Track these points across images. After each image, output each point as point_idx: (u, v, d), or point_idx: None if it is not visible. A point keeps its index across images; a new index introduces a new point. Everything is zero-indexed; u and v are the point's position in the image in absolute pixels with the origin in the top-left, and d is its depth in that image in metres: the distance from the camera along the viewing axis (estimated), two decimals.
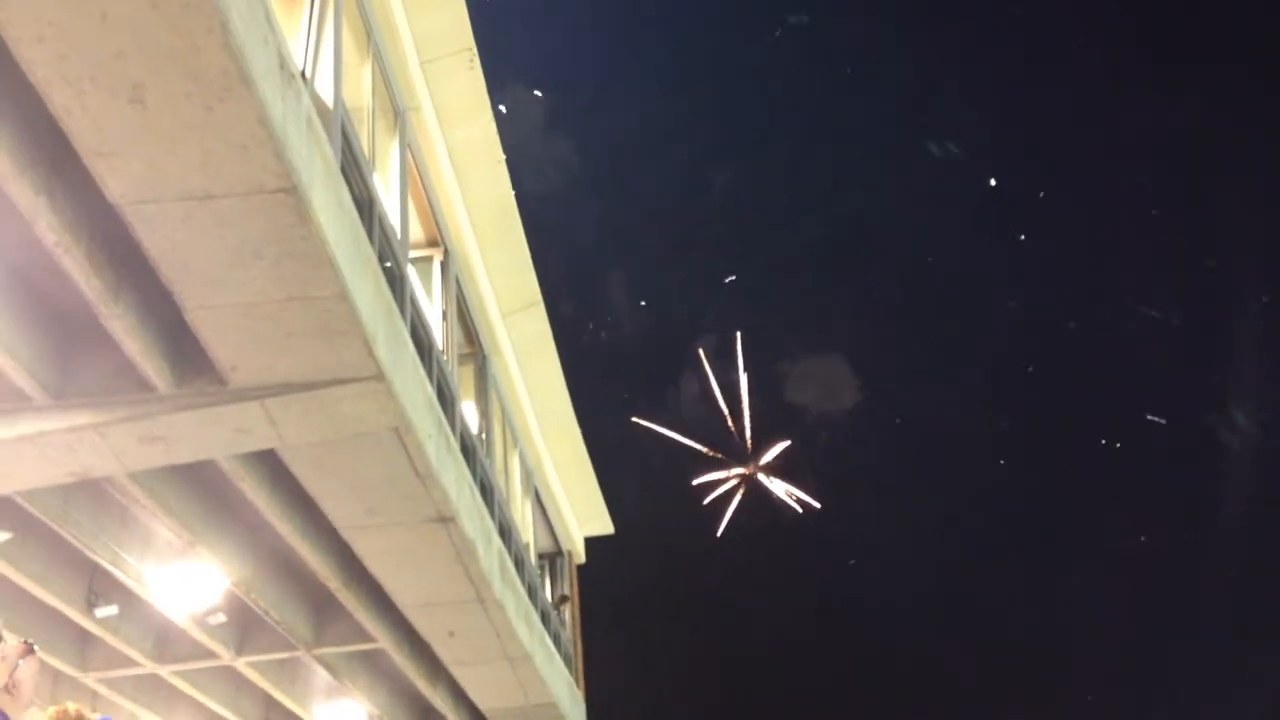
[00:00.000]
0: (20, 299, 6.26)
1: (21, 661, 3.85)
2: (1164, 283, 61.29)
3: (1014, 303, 63.50)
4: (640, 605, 54.28)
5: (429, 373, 8.68)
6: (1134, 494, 57.56)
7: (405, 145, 9.56)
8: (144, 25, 4.38)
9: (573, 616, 17.93)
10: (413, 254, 9.73)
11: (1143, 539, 57.78)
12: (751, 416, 62.82)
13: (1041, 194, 65.26)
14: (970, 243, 65.00)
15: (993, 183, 64.77)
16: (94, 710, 6.34)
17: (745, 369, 62.62)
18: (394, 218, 8.64)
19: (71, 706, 4.38)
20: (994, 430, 62.25)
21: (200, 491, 8.71)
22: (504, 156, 11.65)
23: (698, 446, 62.38)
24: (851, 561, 61.59)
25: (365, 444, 7.69)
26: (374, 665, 12.66)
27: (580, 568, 19.27)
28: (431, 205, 10.75)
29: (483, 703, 13.38)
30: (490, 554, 10.40)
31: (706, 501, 62.84)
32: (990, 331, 62.75)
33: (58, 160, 5.16)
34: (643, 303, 67.48)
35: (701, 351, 63.64)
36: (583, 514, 18.93)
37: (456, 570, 9.76)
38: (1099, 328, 62.42)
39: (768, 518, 62.51)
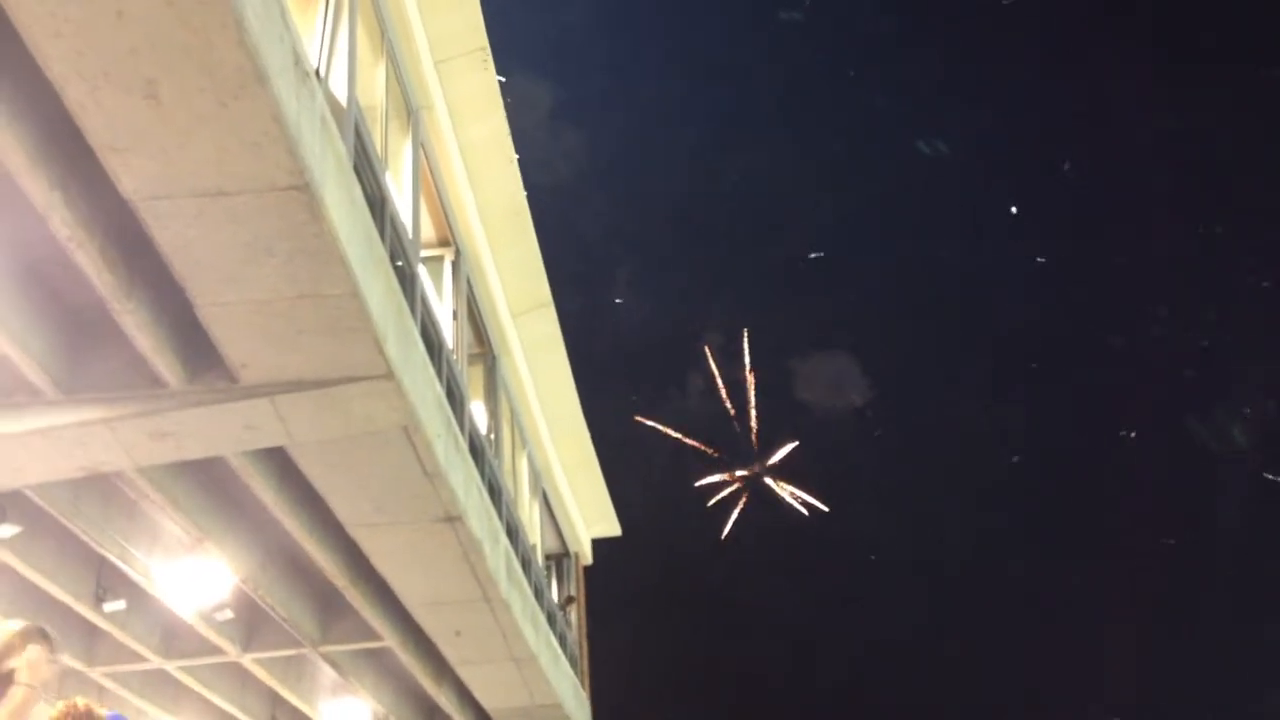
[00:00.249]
0: (33, 294, 6.28)
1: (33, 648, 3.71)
2: (1170, 282, 61.20)
3: (1022, 302, 63.29)
4: (645, 606, 54.24)
5: (439, 372, 8.68)
6: (1143, 494, 57.43)
7: (418, 144, 9.56)
8: (159, 22, 4.39)
9: (578, 617, 17.91)
10: (424, 253, 9.74)
11: (1157, 541, 57.62)
12: (758, 416, 62.83)
13: (1048, 192, 65.24)
14: (980, 241, 65.01)
15: (1002, 181, 64.65)
16: (101, 705, 6.33)
17: (752, 368, 62.52)
18: (406, 216, 8.64)
19: (80, 701, 4.36)
20: (1002, 429, 62.21)
21: (209, 488, 8.73)
22: (516, 156, 11.66)
23: (702, 447, 62.36)
24: (858, 561, 61.44)
25: (374, 442, 7.69)
26: (380, 663, 12.67)
27: (586, 569, 19.26)
28: (443, 204, 10.75)
29: (488, 702, 13.38)
30: (497, 554, 10.39)
31: (711, 504, 62.86)
32: (997, 331, 62.66)
33: (72, 156, 5.17)
34: (647, 300, 67.32)
35: (707, 349, 63.63)
36: (590, 516, 18.91)
37: (463, 569, 9.77)
38: (1111, 329, 62.38)
39: (773, 519, 62.53)
